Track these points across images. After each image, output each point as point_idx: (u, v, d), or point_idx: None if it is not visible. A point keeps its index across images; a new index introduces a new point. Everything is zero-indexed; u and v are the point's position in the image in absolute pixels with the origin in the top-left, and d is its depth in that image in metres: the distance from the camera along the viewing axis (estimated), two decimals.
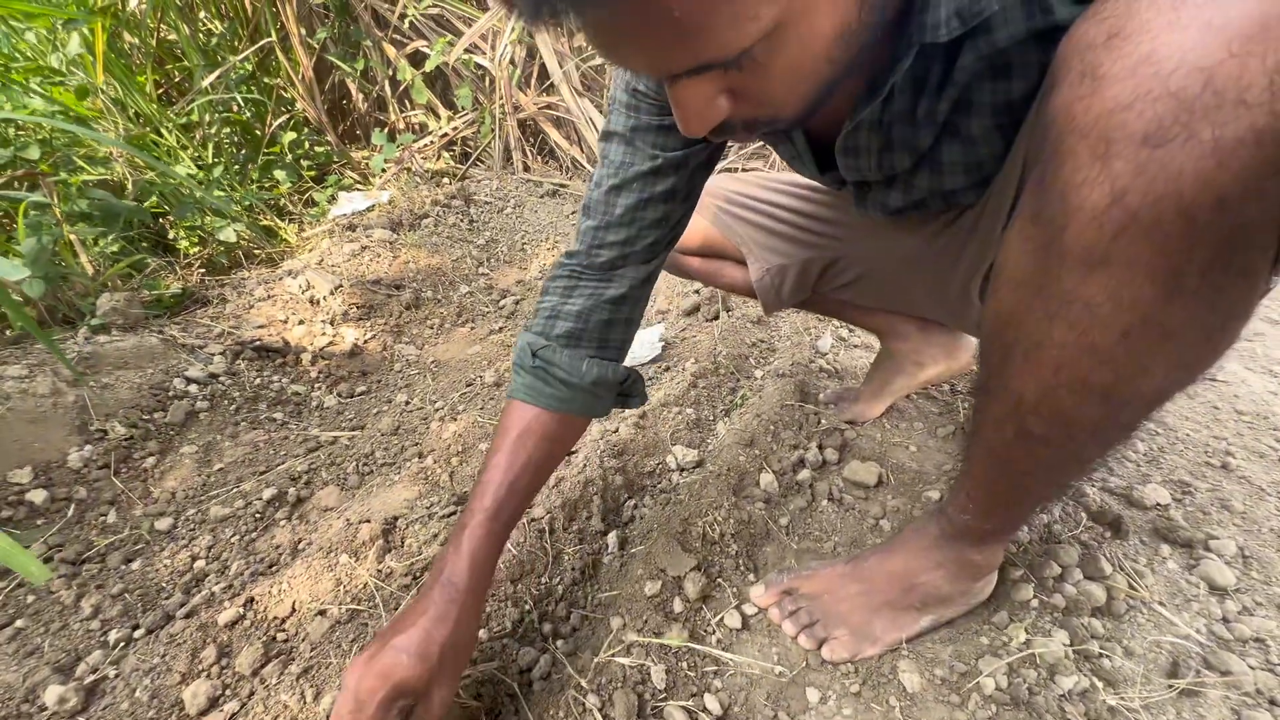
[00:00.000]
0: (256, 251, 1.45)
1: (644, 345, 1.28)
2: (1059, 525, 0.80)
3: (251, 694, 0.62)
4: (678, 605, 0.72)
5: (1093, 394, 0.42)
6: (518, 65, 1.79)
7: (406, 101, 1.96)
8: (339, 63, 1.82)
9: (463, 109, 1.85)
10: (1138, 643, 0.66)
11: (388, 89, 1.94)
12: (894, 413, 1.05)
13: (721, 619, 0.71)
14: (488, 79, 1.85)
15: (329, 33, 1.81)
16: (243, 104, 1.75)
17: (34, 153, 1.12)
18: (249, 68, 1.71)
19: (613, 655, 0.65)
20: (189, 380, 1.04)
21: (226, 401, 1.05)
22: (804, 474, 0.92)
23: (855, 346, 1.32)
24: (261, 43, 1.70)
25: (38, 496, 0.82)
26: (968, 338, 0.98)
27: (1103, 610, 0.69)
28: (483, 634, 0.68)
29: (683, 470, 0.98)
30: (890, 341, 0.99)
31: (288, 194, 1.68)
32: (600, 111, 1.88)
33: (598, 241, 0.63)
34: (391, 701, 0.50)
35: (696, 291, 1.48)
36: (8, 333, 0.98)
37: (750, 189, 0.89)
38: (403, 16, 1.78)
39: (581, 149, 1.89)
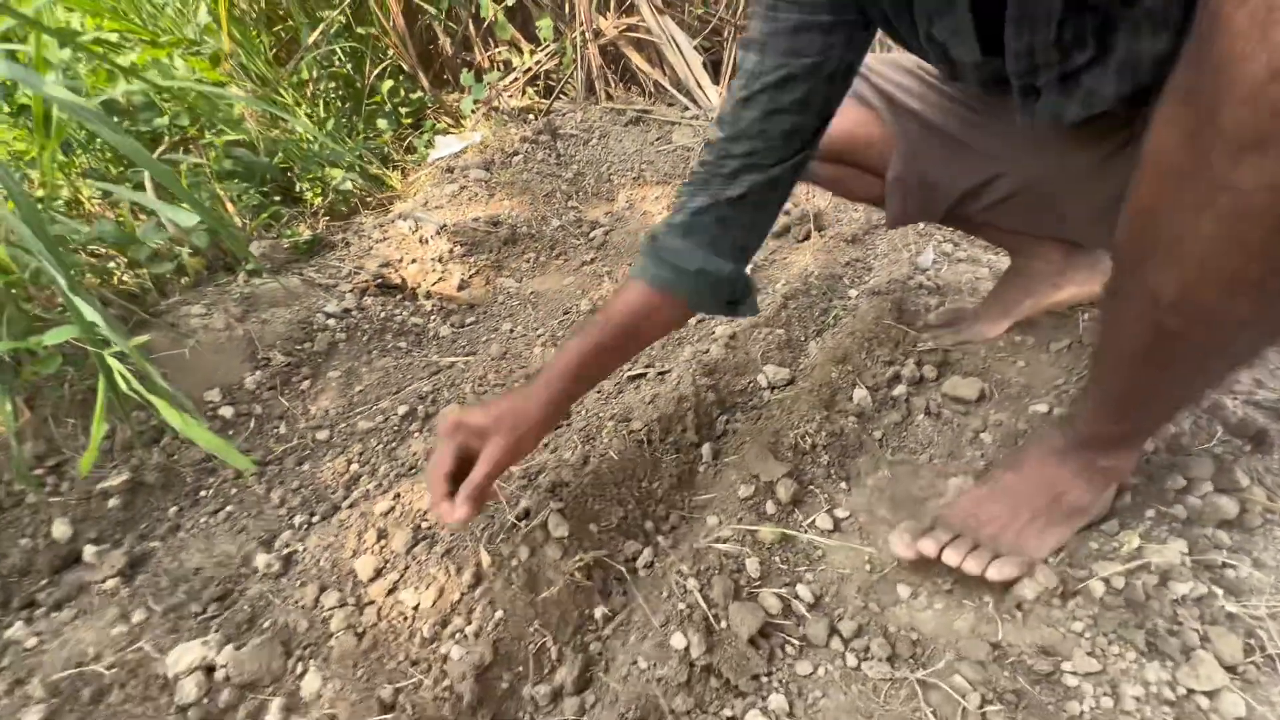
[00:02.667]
0: (369, 199, 1.57)
1: None
2: (1188, 438, 0.75)
3: (407, 568, 0.74)
4: (770, 507, 0.76)
5: (1240, 290, 0.39)
6: None
7: (490, 39, 1.99)
8: (424, 3, 1.86)
9: (545, 41, 1.85)
10: (1270, 555, 0.62)
11: (471, 28, 1.97)
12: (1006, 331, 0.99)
13: (814, 521, 0.75)
14: (567, 5, 1.83)
15: None
16: (343, 57, 1.85)
17: (185, 119, 1.27)
18: (344, 19, 1.79)
19: (711, 543, 0.71)
20: (327, 315, 1.18)
21: (359, 333, 1.19)
22: (899, 389, 0.91)
23: (960, 261, 1.24)
24: None
25: (227, 412, 0.99)
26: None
27: (1232, 523, 0.65)
28: (593, 527, 0.76)
29: (774, 388, 1.00)
30: (1027, 260, 0.91)
31: (390, 142, 1.78)
32: (682, 28, 1.81)
33: (724, 152, 0.63)
34: (454, 427, 0.65)
35: (786, 213, 1.44)
36: (184, 280, 1.15)
37: (907, 77, 0.79)
38: None
39: (664, 71, 1.84)
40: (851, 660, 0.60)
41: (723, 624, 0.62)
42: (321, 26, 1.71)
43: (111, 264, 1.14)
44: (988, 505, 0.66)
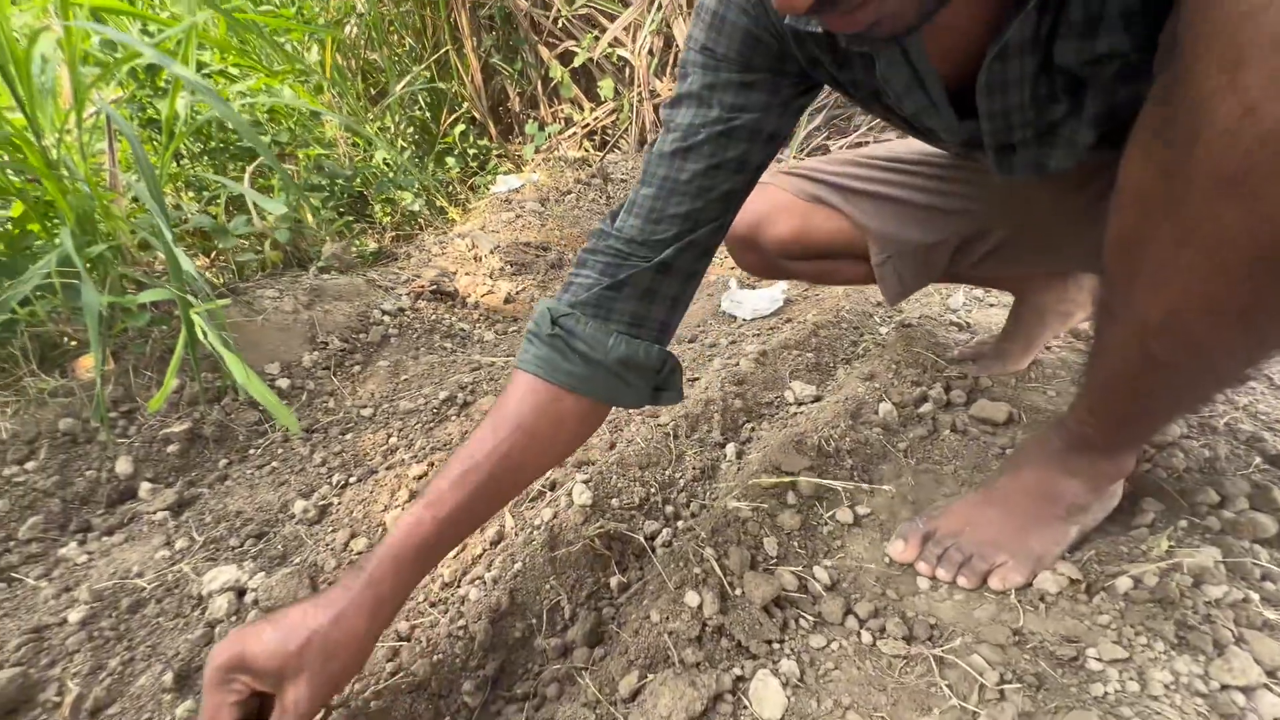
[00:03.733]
0: (433, 224, 1.71)
1: (765, 300, 1.33)
2: (1224, 463, 0.74)
3: None
4: (791, 498, 0.77)
5: (1224, 316, 0.39)
6: (655, 55, 1.93)
7: (555, 97, 2.19)
8: (501, 65, 2.08)
9: (604, 99, 2.03)
10: None
11: (539, 87, 2.18)
12: (1032, 363, 1.00)
13: (834, 514, 0.75)
14: (627, 69, 2.02)
15: (493, 40, 2.08)
16: (423, 105, 2.06)
17: (285, 136, 1.44)
18: (429, 74, 2.02)
19: (729, 519, 0.72)
20: (384, 312, 1.27)
21: (410, 331, 1.27)
22: (926, 407, 0.92)
23: (991, 306, 1.27)
24: (440, 53, 2.00)
25: (283, 384, 1.07)
26: None
27: (1271, 541, 0.64)
28: (615, 502, 0.78)
29: (800, 404, 1.02)
30: (1031, 295, 0.94)
31: (456, 179, 1.95)
32: None
33: (655, 214, 0.55)
34: (227, 671, 0.44)
35: None
36: (262, 271, 1.27)
37: (853, 166, 0.80)
38: (556, 20, 2.01)
39: None
40: (866, 638, 0.59)
41: (737, 591, 0.63)
42: (407, 79, 1.93)
43: (202, 251, 1.26)
44: (984, 510, 0.65)
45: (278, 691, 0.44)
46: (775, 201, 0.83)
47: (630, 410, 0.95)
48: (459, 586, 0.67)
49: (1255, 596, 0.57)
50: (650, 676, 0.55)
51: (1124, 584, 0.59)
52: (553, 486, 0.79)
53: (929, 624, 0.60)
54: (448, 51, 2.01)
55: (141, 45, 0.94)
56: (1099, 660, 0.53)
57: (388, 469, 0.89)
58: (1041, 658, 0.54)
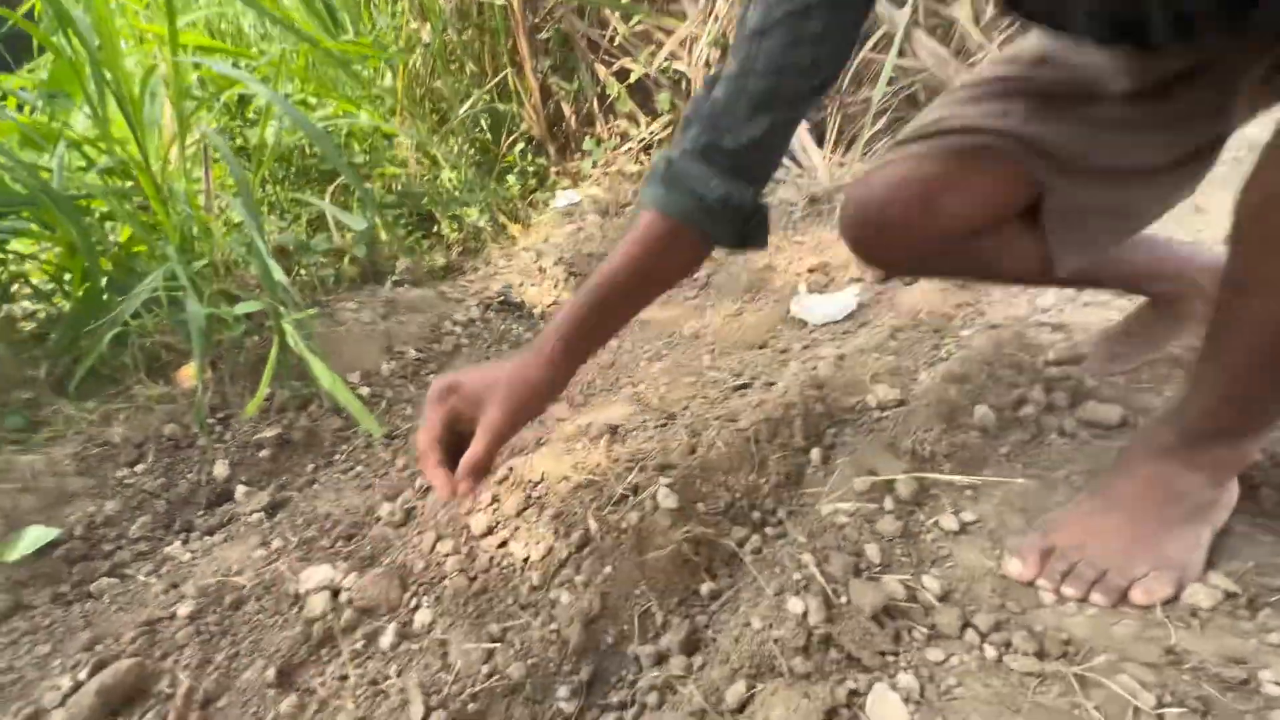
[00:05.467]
0: (498, 239, 1.75)
1: (837, 305, 1.29)
2: None
3: (518, 527, 0.76)
4: (889, 503, 0.73)
5: None
6: (711, 66, 1.94)
7: (610, 114, 2.22)
8: (559, 84, 2.13)
9: (661, 112, 2.04)
10: None
11: (595, 104, 2.21)
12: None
13: (937, 521, 0.70)
14: (684, 82, 2.03)
15: (551, 61, 2.14)
16: (484, 126, 2.12)
17: (361, 158, 1.50)
18: (489, 97, 2.08)
19: (828, 523, 0.68)
20: (455, 323, 1.30)
21: (480, 340, 1.29)
22: (1027, 410, 0.86)
23: (1086, 305, 1.19)
24: (500, 76, 2.06)
25: (364, 391, 1.09)
26: None
27: None
28: (700, 506, 0.76)
29: (883, 408, 0.97)
30: (1169, 303, 0.84)
31: (517, 196, 1.99)
32: None
33: (735, 92, 0.56)
34: (445, 391, 0.59)
35: None
36: (342, 285, 1.32)
37: (977, 94, 0.66)
38: (612, 39, 2.04)
39: None
40: (990, 652, 0.54)
41: (842, 599, 0.59)
42: (469, 103, 2.00)
43: (284, 269, 1.33)
44: (1105, 518, 0.60)
45: (478, 414, 0.58)
46: (906, 173, 0.67)
47: (710, 419, 0.93)
48: (549, 590, 0.66)
49: None
50: (759, 686, 0.52)
51: None
52: (635, 490, 0.78)
53: (1061, 640, 0.55)
54: (507, 75, 2.07)
55: (244, 76, 1.01)
56: (1276, 683, 0.47)
57: None
58: (1205, 679, 0.48)
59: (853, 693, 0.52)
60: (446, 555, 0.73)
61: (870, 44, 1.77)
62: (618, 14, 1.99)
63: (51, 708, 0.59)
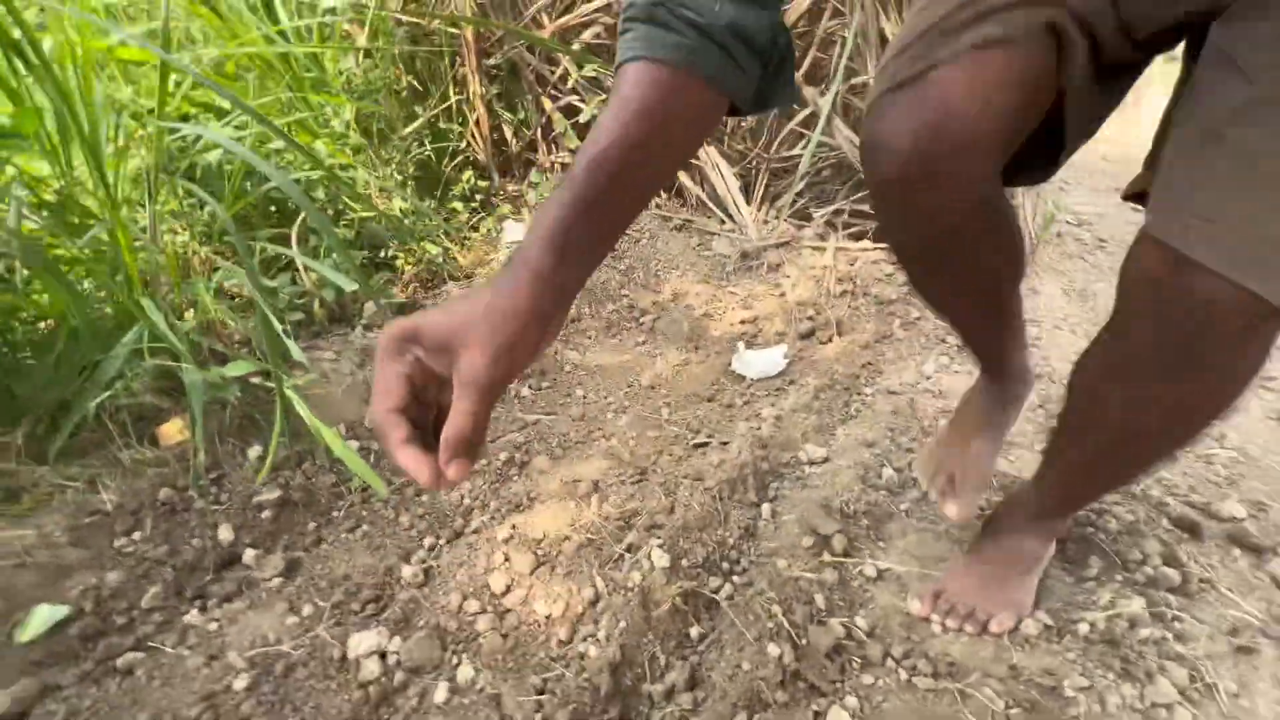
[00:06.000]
0: (455, 274, 1.80)
1: (770, 362, 1.52)
2: (1143, 526, 0.98)
3: (533, 585, 0.89)
4: (826, 556, 0.95)
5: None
6: None
7: (554, 145, 2.31)
8: (506, 112, 2.18)
9: None
10: (1206, 614, 0.84)
11: (539, 135, 2.29)
12: None
13: (860, 569, 0.94)
14: None
15: (498, 89, 2.18)
16: (427, 145, 2.13)
17: (321, 193, 1.50)
18: (435, 116, 2.10)
19: (782, 573, 0.89)
20: None
21: None
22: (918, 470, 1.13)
23: (956, 372, 1.51)
24: (443, 96, 2.08)
25: (352, 445, 1.15)
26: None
27: (1178, 590, 0.87)
28: (684, 561, 0.94)
29: (812, 463, 1.21)
30: (1011, 362, 0.91)
31: (465, 222, 2.04)
32: (722, 156, 2.15)
33: None
34: (399, 340, 0.42)
35: (810, 318, 1.71)
36: (312, 327, 1.33)
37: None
38: (562, 79, 2.13)
39: (704, 189, 2.17)
40: (904, 675, 0.78)
41: (804, 640, 0.80)
42: (414, 125, 2.01)
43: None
44: (975, 570, 0.87)
45: (453, 368, 0.41)
46: (930, 96, 0.56)
47: (680, 478, 1.11)
48: (575, 644, 0.81)
49: (1169, 635, 0.79)
50: (755, 716, 0.71)
51: (1083, 628, 0.80)
52: (630, 549, 0.94)
53: (948, 662, 0.79)
54: (450, 97, 2.09)
55: (222, 139, 1.02)
56: (1072, 689, 0.74)
57: (473, 532, 1.01)
58: (1032, 688, 0.75)
59: (817, 714, 0.73)
60: (475, 614, 0.85)
61: (796, 120, 2.02)
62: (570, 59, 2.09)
63: None
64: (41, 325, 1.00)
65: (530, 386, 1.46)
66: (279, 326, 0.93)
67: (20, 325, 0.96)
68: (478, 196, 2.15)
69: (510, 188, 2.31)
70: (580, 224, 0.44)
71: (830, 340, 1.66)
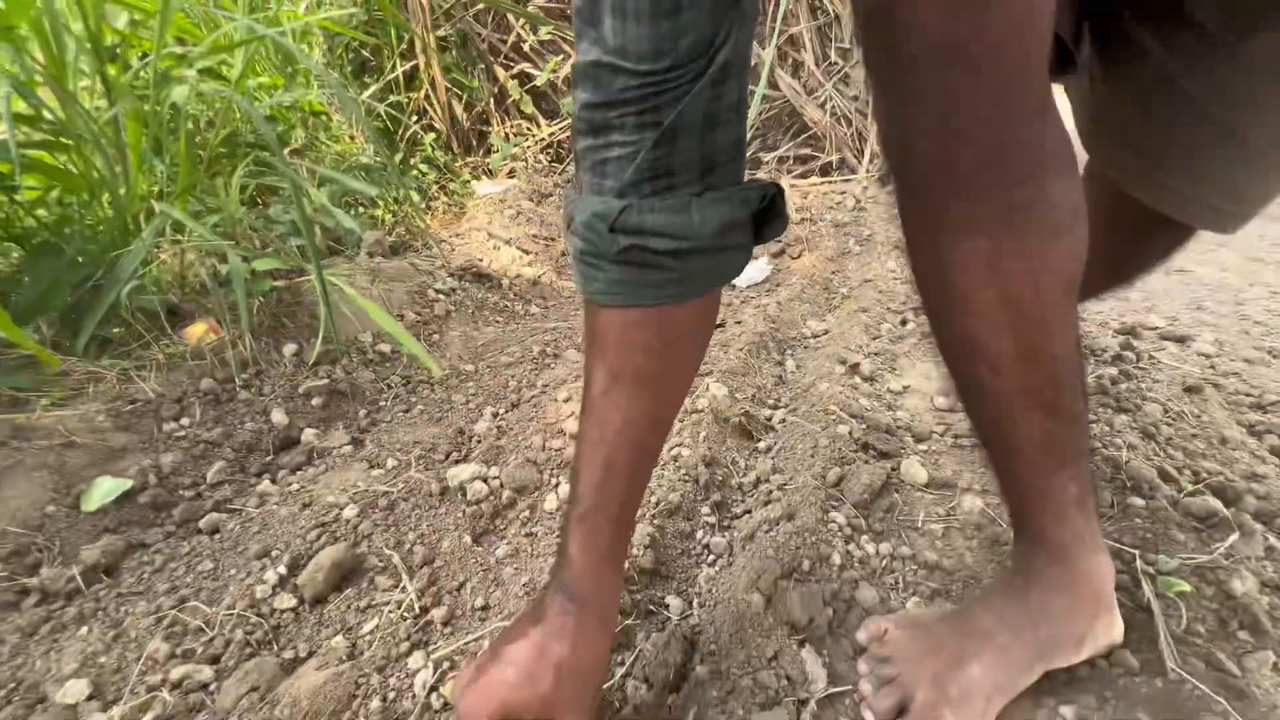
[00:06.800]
0: (433, 220, 1.80)
1: (756, 270, 1.64)
2: (1095, 337, 1.17)
3: None
4: (858, 380, 1.07)
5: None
6: None
7: (507, 115, 2.37)
8: (460, 78, 2.22)
9: (564, 114, 2.25)
10: (1161, 375, 1.02)
11: (492, 104, 2.34)
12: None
13: (888, 387, 1.06)
14: None
15: (451, 59, 2.22)
16: (384, 117, 2.13)
17: (299, 135, 1.48)
18: (391, 88, 2.10)
19: (831, 394, 0.99)
20: (437, 291, 1.38)
21: (464, 308, 1.39)
22: (910, 325, 1.29)
23: None
24: (407, 66, 2.09)
25: (384, 348, 1.15)
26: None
27: (1100, 362, 1.05)
28: (739, 394, 1.01)
29: (816, 336, 1.33)
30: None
31: (433, 183, 2.04)
32: None
33: (665, 35, 0.37)
34: None
35: (779, 240, 1.87)
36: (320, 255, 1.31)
37: None
38: (515, 46, 2.21)
39: None
40: (949, 442, 0.90)
41: (863, 424, 0.90)
42: (373, 88, 2.00)
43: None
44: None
45: None
46: None
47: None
48: (663, 454, 0.86)
49: (1141, 385, 0.97)
50: (845, 468, 0.80)
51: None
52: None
53: None
54: (397, 68, 2.11)
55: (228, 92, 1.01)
56: None
57: (529, 402, 1.04)
58: None
59: (893, 469, 0.82)
60: (560, 448, 0.89)
61: None
62: (524, 23, 2.17)
63: (273, 588, 0.63)
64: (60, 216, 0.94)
65: (538, 306, 1.49)
66: (335, 208, 0.93)
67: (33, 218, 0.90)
68: (441, 160, 2.16)
69: (469, 160, 2.34)
70: (618, 533, 0.46)
71: (800, 255, 1.81)
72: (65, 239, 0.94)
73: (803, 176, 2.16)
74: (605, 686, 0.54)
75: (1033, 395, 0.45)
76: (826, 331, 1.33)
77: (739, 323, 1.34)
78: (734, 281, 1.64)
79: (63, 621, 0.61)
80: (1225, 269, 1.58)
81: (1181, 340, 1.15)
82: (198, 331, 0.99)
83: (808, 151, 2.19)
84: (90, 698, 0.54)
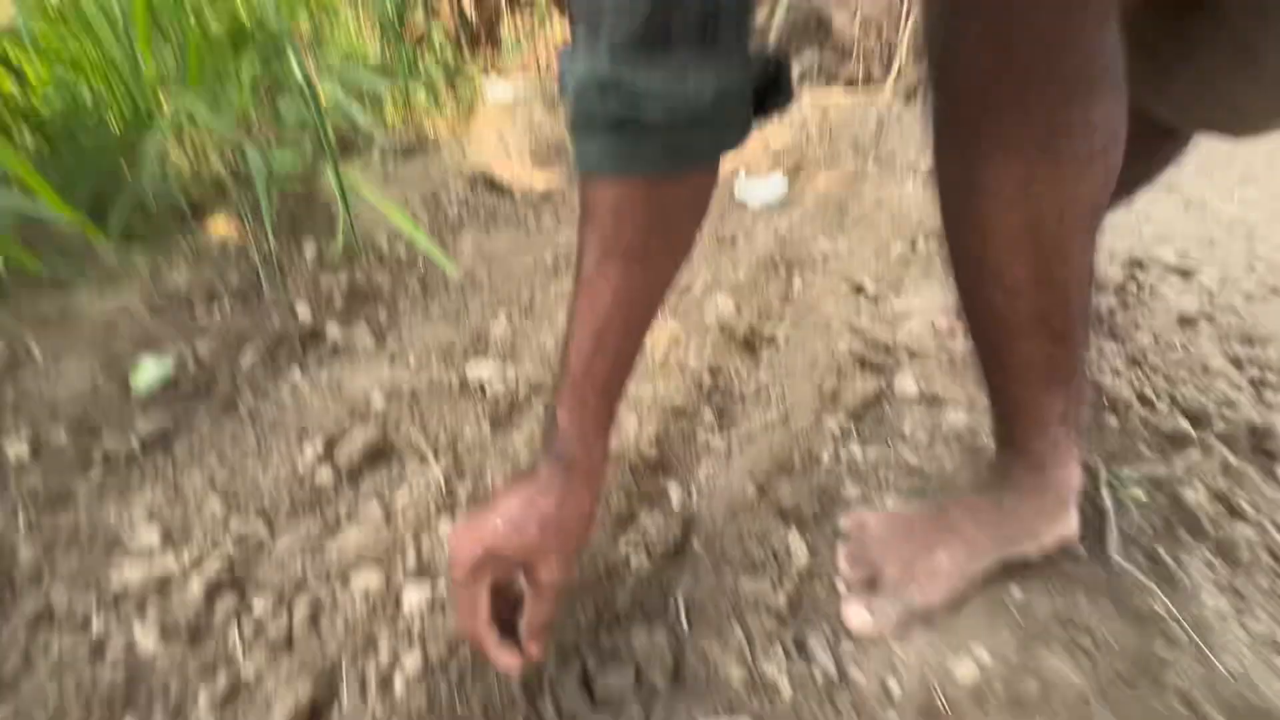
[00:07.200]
0: (440, 126, 1.76)
1: (770, 189, 1.63)
2: (1108, 264, 1.18)
3: None
4: (862, 301, 1.10)
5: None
6: None
7: (518, 7, 2.24)
8: None
9: None
10: (1157, 306, 1.04)
11: (503, 2, 2.21)
12: None
13: (891, 307, 1.09)
14: None
15: None
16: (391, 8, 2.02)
17: (306, 28, 1.42)
18: None
19: (834, 312, 1.02)
20: (449, 197, 1.38)
21: (477, 215, 1.39)
22: (920, 247, 1.29)
23: None
24: None
25: (400, 251, 1.17)
26: None
27: (1119, 291, 1.07)
28: (745, 309, 1.05)
29: (826, 257, 1.34)
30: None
31: (443, 82, 1.97)
32: None
33: None
34: (481, 564, 0.44)
35: (795, 159, 1.83)
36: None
37: None
38: None
39: None
40: (945, 359, 0.94)
41: (862, 341, 0.94)
42: None
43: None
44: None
45: (527, 574, 0.46)
46: None
47: (716, 256, 1.21)
48: (670, 364, 0.91)
49: (1145, 305, 1.00)
50: (841, 380, 0.85)
51: None
52: (698, 304, 1.04)
53: None
54: None
55: None
56: None
57: (542, 307, 1.07)
58: None
59: (887, 383, 0.87)
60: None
61: None
62: None
63: (313, 463, 0.70)
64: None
65: (551, 216, 1.50)
66: (350, 104, 0.92)
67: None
68: (451, 60, 2.07)
69: (483, 53, 2.24)
70: (606, 407, 0.47)
71: (817, 174, 1.78)
72: (82, 128, 0.94)
73: (825, 89, 2.07)
74: (609, 556, 0.62)
75: (1042, 322, 0.46)
76: (836, 253, 1.34)
77: (750, 241, 1.35)
78: (747, 201, 1.63)
79: (128, 483, 0.68)
80: (1247, 204, 1.56)
81: (1186, 274, 1.17)
82: (219, 225, 1.01)
83: (831, 62, 2.08)
84: (162, 544, 0.62)
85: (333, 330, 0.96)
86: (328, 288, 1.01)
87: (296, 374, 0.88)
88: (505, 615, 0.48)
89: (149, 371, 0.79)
